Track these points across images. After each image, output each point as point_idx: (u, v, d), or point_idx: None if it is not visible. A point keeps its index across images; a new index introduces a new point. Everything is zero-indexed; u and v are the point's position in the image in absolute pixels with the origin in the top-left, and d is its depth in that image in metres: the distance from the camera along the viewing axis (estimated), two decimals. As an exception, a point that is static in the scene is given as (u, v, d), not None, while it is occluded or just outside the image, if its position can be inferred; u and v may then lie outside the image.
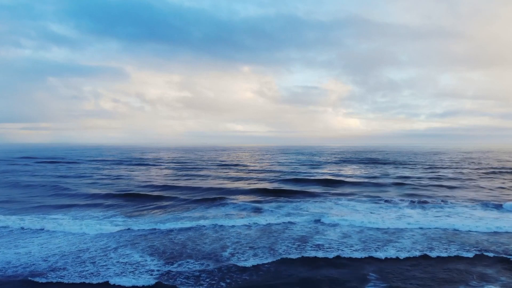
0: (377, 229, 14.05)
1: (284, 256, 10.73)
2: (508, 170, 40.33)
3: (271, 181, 31.61)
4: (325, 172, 39.23)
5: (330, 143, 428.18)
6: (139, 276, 9.20)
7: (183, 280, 9.03)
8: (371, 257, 10.65)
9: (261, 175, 36.37)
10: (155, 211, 18.13)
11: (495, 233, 13.55)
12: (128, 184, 28.74)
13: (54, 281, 8.95)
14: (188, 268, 9.85)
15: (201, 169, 43.97)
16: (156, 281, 8.91)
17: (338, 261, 10.38)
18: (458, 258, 10.64)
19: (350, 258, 10.62)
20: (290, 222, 15.13)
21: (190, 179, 33.23)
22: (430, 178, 32.33)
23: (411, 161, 58.96)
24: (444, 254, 10.88)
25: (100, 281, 8.91)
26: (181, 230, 13.96)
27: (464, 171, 39.96)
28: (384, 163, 53.56)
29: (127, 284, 8.72)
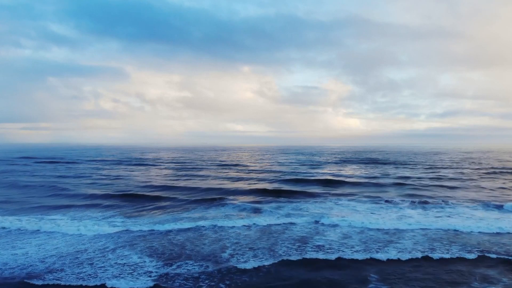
0: (378, 229, 13.94)
1: (284, 257, 10.63)
2: (509, 170, 40.22)
3: (271, 181, 31.51)
4: (325, 172, 39.13)
5: (330, 143, 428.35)
6: (137, 278, 9.09)
7: (182, 282, 8.92)
8: (372, 258, 10.55)
9: (261, 175, 36.26)
10: (154, 211, 18.02)
11: (497, 233, 13.45)
12: (127, 185, 28.63)
13: (51, 283, 8.84)
14: (187, 269, 9.74)
15: (201, 169, 43.87)
16: (155, 283, 8.80)
17: (339, 262, 10.27)
18: (459, 259, 10.54)
19: (351, 259, 10.51)
20: (290, 223, 15.02)
21: (189, 179, 33.12)
22: (430, 178, 32.23)
23: (411, 161, 58.87)
24: (446, 255, 10.78)
25: (98, 283, 8.80)
26: (180, 230, 13.85)
27: (465, 171, 39.86)
28: (384, 163, 53.46)
29: (124, 287, 8.61)
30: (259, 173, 39.14)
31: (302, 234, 13.26)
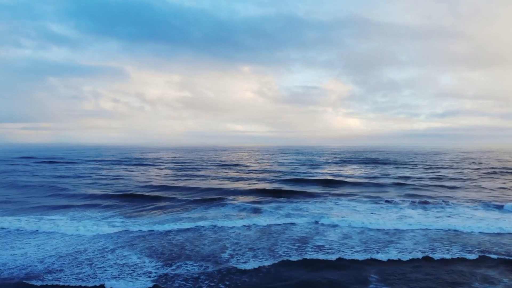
0: (378, 230, 13.91)
1: (284, 258, 10.59)
2: (509, 170, 40.19)
3: (271, 181, 31.47)
4: (325, 172, 39.09)
5: (330, 143, 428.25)
6: (136, 279, 9.05)
7: (182, 282, 8.88)
8: (372, 259, 10.51)
9: (261, 175, 36.22)
10: (154, 211, 17.98)
11: (497, 234, 13.41)
12: (127, 185, 28.59)
13: (50, 283, 8.80)
14: (187, 270, 9.70)
15: (200, 169, 43.82)
16: (154, 283, 8.76)
17: (339, 263, 10.23)
18: (460, 259, 10.50)
19: (351, 259, 10.48)
20: (290, 223, 14.98)
21: (189, 179, 33.09)
22: (430, 178, 32.19)
23: (411, 161, 58.83)
24: (446, 256, 10.74)
25: (97, 283, 8.76)
26: (180, 231, 13.81)
27: (465, 171, 39.83)
28: (385, 163, 53.43)
29: (123, 287, 8.57)
30: (259, 173, 39.10)
31: (302, 234, 13.22)
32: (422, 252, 11.10)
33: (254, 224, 14.84)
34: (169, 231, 13.70)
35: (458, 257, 10.63)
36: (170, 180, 32.31)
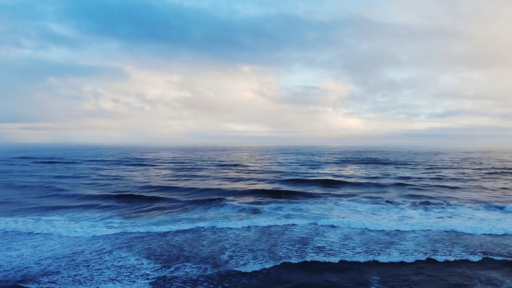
0: (379, 230, 13.76)
1: (284, 259, 10.44)
2: (510, 171, 40.05)
3: (271, 181, 31.32)
4: (326, 173, 38.94)
5: (330, 143, 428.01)
6: (133, 281, 8.90)
7: (180, 285, 8.74)
8: (373, 260, 10.36)
9: (260, 176, 36.08)
10: (153, 212, 17.83)
11: (499, 235, 13.26)
12: (126, 185, 28.44)
13: (46, 286, 8.65)
14: (185, 272, 9.56)
15: (200, 170, 43.67)
16: (152, 286, 8.61)
17: (340, 265, 10.08)
18: (462, 261, 10.36)
19: (352, 261, 10.33)
20: (290, 224, 14.83)
21: (189, 179, 32.94)
22: (431, 179, 32.05)
23: (411, 161, 58.68)
24: (448, 257, 10.59)
25: (93, 286, 8.60)
26: (178, 232, 13.66)
27: (466, 171, 39.69)
28: (385, 163, 53.28)
29: (121, 290, 8.43)
30: (259, 173, 38.96)
31: (302, 235, 13.08)
32: (424, 253, 10.95)
33: (253, 224, 14.69)
34: (168, 232, 13.55)
35: (460, 259, 10.48)
36: (170, 180, 32.16)
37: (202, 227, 14.27)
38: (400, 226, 14.25)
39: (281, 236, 12.98)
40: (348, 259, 10.45)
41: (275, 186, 28.17)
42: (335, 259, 10.42)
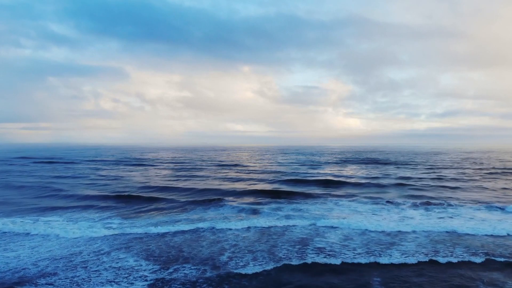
0: (380, 231, 13.65)
1: (284, 261, 10.33)
2: (510, 171, 39.94)
3: (271, 182, 31.21)
4: (326, 173, 38.84)
5: (330, 143, 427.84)
6: (131, 283, 8.78)
7: (179, 287, 8.63)
8: (374, 262, 10.25)
9: (260, 176, 35.97)
10: (152, 212, 17.72)
11: (501, 235, 13.16)
12: (125, 185, 28.33)
13: (43, 288, 8.55)
14: (185, 273, 9.45)
15: (200, 170, 43.57)
16: (150, 288, 8.50)
17: (340, 266, 9.97)
18: (464, 262, 10.25)
19: (352, 262, 10.22)
20: (290, 224, 14.72)
21: (188, 179, 32.83)
22: (432, 179, 31.95)
23: (412, 161, 58.58)
24: (450, 258, 10.49)
25: (91, 288, 8.50)
26: (178, 232, 13.55)
27: (466, 171, 39.59)
28: (385, 163, 53.18)
29: (118, 292, 8.32)
30: (259, 173, 38.85)
31: (302, 236, 12.97)
32: (425, 254, 10.85)
33: (253, 225, 14.58)
34: (167, 233, 13.44)
35: (462, 260, 10.38)
36: (169, 180, 32.05)
37: (202, 228, 14.17)
38: (401, 227, 14.14)
39: (281, 237, 12.87)
40: (348, 260, 10.34)
41: (275, 186, 28.07)
42: (335, 261, 10.31)
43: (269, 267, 9.87)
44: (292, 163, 56.30)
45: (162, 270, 9.68)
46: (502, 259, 10.43)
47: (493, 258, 10.55)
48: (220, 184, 29.01)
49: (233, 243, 12.13)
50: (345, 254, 10.97)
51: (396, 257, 10.58)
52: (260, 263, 10.16)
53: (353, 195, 22.90)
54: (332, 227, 14.31)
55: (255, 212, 17.57)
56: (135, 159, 65.08)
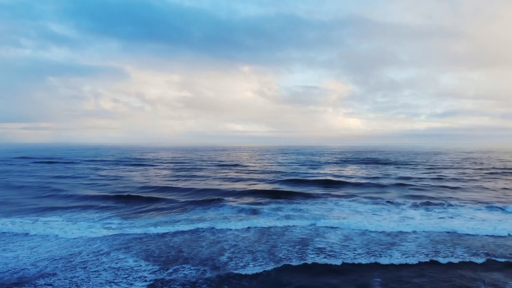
0: (380, 231, 13.61)
1: (284, 261, 10.29)
2: (511, 171, 39.91)
3: (271, 182, 31.17)
4: (326, 173, 38.80)
5: (330, 143, 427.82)
6: (131, 284, 8.74)
7: (178, 287, 8.59)
8: (374, 262, 10.21)
9: (260, 176, 35.93)
10: (152, 213, 17.69)
11: (502, 236, 13.12)
12: (125, 185, 28.29)
13: (42, 288, 8.51)
14: (184, 274, 9.41)
15: (200, 170, 43.53)
16: (149, 288, 8.47)
17: (341, 267, 9.94)
18: (465, 262, 10.21)
19: (353, 263, 10.18)
20: (290, 225, 14.69)
21: (188, 179, 32.79)
22: (432, 179, 31.91)
23: (412, 161, 58.55)
24: (451, 259, 10.45)
25: (90, 289, 8.46)
26: (177, 233, 13.52)
27: (466, 171, 39.55)
28: (385, 163, 53.14)
29: (118, 292, 8.28)
30: (259, 173, 38.82)
31: (302, 236, 12.93)
32: (425, 255, 10.81)
33: (253, 225, 14.54)
34: (167, 233, 13.40)
35: (463, 260, 10.34)
36: (169, 180, 32.02)
37: (201, 228, 14.13)
38: (401, 227, 14.10)
39: (281, 237, 12.84)
40: (349, 261, 10.30)
41: (275, 186, 28.03)
42: (335, 261, 10.28)
43: (269, 267, 9.84)
44: (292, 163, 56.27)
45: (162, 270, 9.64)
46: (503, 260, 10.39)
47: (494, 258, 10.51)
48: (220, 184, 28.97)
49: (233, 244, 12.09)
50: (345, 254, 10.93)
51: (396, 258, 10.54)
52: (260, 264, 10.12)
53: (353, 195, 22.87)
54: (332, 227, 14.27)
55: (255, 212, 17.53)
56: (135, 159, 65.04)
